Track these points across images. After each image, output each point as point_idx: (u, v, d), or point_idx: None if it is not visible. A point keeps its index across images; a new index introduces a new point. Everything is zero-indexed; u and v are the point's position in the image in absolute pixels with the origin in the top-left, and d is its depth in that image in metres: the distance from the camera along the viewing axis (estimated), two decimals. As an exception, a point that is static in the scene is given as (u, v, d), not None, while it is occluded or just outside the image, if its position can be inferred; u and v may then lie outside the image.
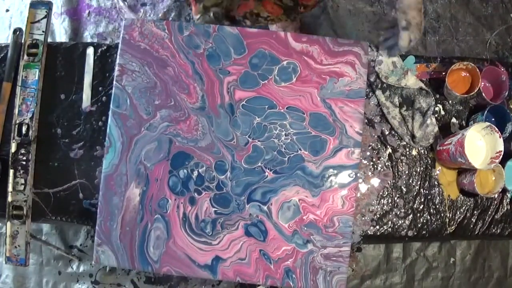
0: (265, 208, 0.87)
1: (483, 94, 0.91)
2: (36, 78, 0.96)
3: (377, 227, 0.93)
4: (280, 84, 0.89)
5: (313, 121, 0.88)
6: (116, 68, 0.89)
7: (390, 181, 0.94)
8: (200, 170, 0.88)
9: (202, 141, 0.88)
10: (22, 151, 0.95)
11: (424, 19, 0.80)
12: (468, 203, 0.93)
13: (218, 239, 0.86)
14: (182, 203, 0.87)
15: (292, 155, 0.88)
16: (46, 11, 0.99)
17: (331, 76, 0.89)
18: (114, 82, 0.89)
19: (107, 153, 0.87)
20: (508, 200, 0.93)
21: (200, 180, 0.88)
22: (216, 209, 0.87)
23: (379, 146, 0.95)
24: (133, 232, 0.86)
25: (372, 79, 0.96)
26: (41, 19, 0.99)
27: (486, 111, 0.89)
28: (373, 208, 0.93)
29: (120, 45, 0.89)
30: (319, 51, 0.90)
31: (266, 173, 0.87)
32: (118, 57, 0.89)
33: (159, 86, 0.89)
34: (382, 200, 0.94)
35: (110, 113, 0.88)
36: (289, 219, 0.87)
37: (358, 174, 0.87)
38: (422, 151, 0.94)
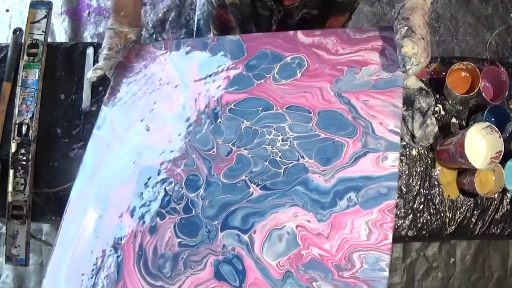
0: (245, 237, 0.62)
1: (483, 94, 0.91)
2: (36, 78, 0.96)
3: (377, 227, 0.93)
4: (279, 82, 0.71)
5: (324, 121, 0.67)
6: (108, 90, 0.84)
7: (390, 181, 0.94)
8: (167, 188, 0.70)
9: (174, 152, 0.73)
10: (22, 151, 0.95)
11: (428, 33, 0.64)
12: (468, 203, 0.93)
13: (177, 283, 0.63)
14: (140, 231, 0.69)
15: (290, 165, 0.66)
16: (46, 11, 0.99)
17: (351, 66, 0.68)
18: (102, 106, 0.83)
19: (76, 179, 0.76)
20: (508, 200, 0.93)
21: (165, 201, 0.70)
22: (180, 239, 0.66)
23: (379, 146, 0.95)
24: (80, 270, 0.69)
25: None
26: (41, 19, 0.99)
27: (486, 111, 0.89)
28: (373, 208, 0.93)
29: (115, 69, 0.84)
30: (335, 41, 0.71)
31: (251, 189, 0.65)
32: (112, 80, 0.84)
33: (142, 99, 0.80)
34: (382, 200, 0.93)
35: (91, 137, 0.80)
36: (279, 254, 0.60)
37: (396, 189, 0.61)
38: (422, 151, 0.94)
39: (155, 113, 0.77)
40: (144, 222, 0.69)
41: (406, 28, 0.62)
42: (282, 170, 0.66)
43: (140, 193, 0.72)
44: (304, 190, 0.63)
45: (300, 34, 0.74)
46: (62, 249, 0.72)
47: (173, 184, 0.70)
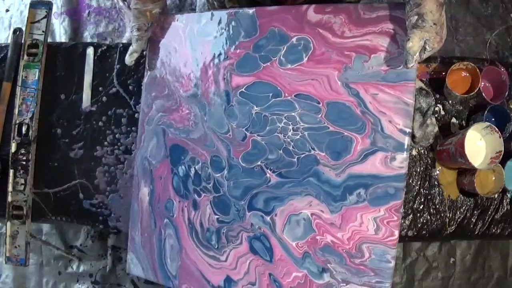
0: (268, 219, 0.70)
1: (483, 94, 0.91)
2: (36, 78, 0.96)
3: (377, 227, 0.93)
4: (286, 66, 0.70)
5: (332, 113, 0.66)
6: (145, 71, 0.86)
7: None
8: (196, 167, 0.76)
9: (194, 132, 0.77)
10: (22, 151, 0.94)
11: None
12: (468, 203, 0.93)
13: (224, 254, 0.73)
14: (186, 206, 0.77)
15: (302, 155, 0.68)
16: (46, 11, 0.99)
17: (359, 53, 0.65)
18: (143, 86, 0.86)
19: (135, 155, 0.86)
20: (508, 200, 0.93)
21: (197, 179, 0.76)
22: (218, 216, 0.74)
23: (379, 146, 0.95)
24: (151, 239, 0.80)
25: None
26: (41, 19, 0.99)
27: (486, 111, 0.89)
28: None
29: (148, 45, 0.84)
30: (343, 20, 0.66)
31: (268, 175, 0.70)
32: (146, 59, 0.85)
33: (158, 78, 0.83)
34: (382, 200, 0.93)
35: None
36: (298, 237, 0.67)
37: (403, 190, 0.63)
38: (422, 151, 0.94)
39: (170, 92, 0.80)
40: (186, 198, 0.77)
41: (416, 17, 0.58)
42: (295, 160, 0.69)
43: (176, 170, 0.78)
44: (316, 182, 0.67)
45: (310, 11, 0.69)
46: (133, 221, 0.82)
47: (200, 164, 0.76)
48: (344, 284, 0.64)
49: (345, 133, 0.65)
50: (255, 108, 0.72)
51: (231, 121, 0.74)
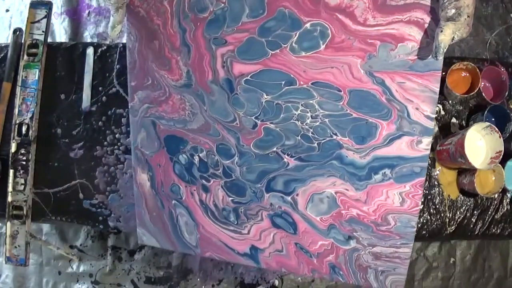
0: (288, 199, 0.71)
1: (483, 94, 0.91)
2: (36, 78, 0.96)
3: (377, 227, 0.93)
4: (299, 54, 0.66)
5: (355, 101, 0.66)
6: (127, 51, 0.78)
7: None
8: (200, 155, 0.74)
9: (192, 123, 0.73)
10: (22, 151, 0.94)
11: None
12: (468, 203, 0.93)
13: (246, 228, 0.74)
14: (194, 190, 0.76)
15: (323, 141, 0.68)
16: (46, 11, 0.99)
17: (384, 41, 0.63)
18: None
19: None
20: (508, 200, 0.93)
21: (203, 167, 0.75)
22: (232, 198, 0.74)
23: (379, 146, 0.95)
24: (161, 217, 0.80)
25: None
26: (41, 19, 0.99)
27: (486, 111, 0.89)
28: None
29: (126, 15, 0.73)
30: (367, 6, 0.63)
31: (286, 160, 0.70)
32: (125, 34, 0.76)
33: (137, 65, 0.75)
34: (382, 200, 0.93)
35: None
36: (322, 212, 0.70)
37: (426, 169, 0.67)
38: (422, 151, 0.94)
39: (155, 81, 0.74)
40: (193, 183, 0.76)
41: (454, 10, 0.58)
42: (315, 145, 0.69)
43: (177, 159, 0.76)
44: (340, 164, 0.68)
45: None
46: (137, 201, 0.82)
47: (204, 152, 0.74)
48: (371, 247, 0.69)
49: (370, 120, 0.66)
50: (265, 96, 0.69)
51: (237, 109, 0.70)
